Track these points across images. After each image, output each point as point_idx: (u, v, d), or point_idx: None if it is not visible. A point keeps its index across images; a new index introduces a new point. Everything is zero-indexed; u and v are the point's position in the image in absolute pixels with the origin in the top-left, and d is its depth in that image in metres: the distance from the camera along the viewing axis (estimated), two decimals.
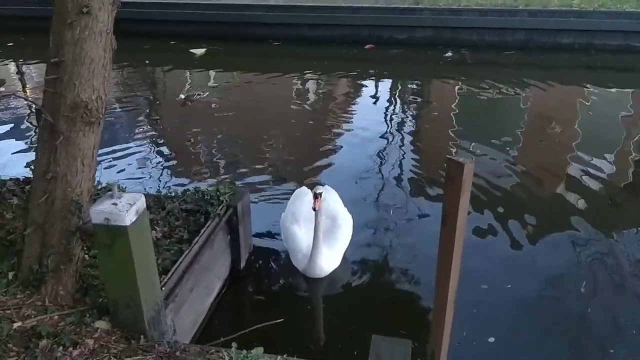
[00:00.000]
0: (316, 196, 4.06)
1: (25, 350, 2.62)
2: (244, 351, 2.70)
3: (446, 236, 2.13)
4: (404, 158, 6.83)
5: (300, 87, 10.48)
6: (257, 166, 6.49)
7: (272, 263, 4.68)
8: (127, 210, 2.57)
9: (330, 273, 4.34)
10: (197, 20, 13.05)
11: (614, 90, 9.82)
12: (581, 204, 5.50)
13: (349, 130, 7.88)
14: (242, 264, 4.49)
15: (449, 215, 2.09)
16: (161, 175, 6.37)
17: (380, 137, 7.56)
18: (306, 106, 9.23)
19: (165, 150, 7.16)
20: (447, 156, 2.07)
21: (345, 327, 3.88)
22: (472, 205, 5.29)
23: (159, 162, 6.76)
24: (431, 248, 4.50)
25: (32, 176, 3.02)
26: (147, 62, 11.89)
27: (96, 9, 2.71)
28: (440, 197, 5.56)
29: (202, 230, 3.84)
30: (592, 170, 6.20)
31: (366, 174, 6.31)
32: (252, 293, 4.44)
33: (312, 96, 9.97)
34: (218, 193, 4.22)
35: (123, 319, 2.85)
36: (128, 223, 2.57)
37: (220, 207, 4.13)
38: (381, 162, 6.69)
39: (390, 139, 7.55)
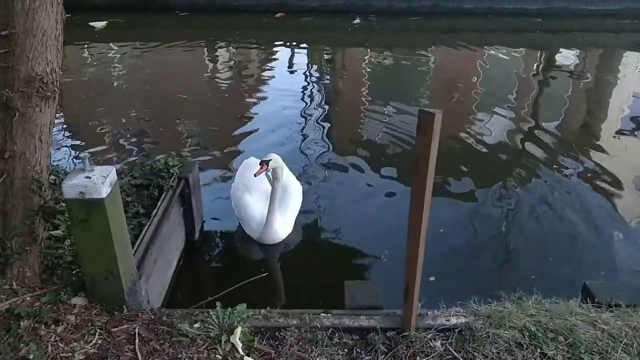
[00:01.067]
0: (262, 164, 4.18)
1: (7, 332, 2.57)
2: (229, 309, 2.83)
3: (418, 181, 2.38)
4: (321, 123, 7.06)
5: (212, 57, 10.35)
6: (180, 138, 6.42)
7: (224, 232, 4.76)
8: (102, 182, 2.57)
9: (284, 239, 4.52)
10: None
11: (509, 50, 10.65)
12: (483, 157, 6.02)
13: (264, 98, 8.01)
14: (197, 235, 4.54)
15: (420, 162, 2.34)
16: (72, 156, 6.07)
17: (296, 102, 7.78)
18: (220, 77, 9.17)
19: (76, 130, 6.81)
20: (419, 108, 2.30)
21: (308, 280, 4.13)
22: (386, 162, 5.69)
23: (72, 143, 6.40)
24: (360, 205, 4.85)
25: None
26: None
27: None
28: (358, 155, 5.99)
29: (159, 204, 3.84)
30: (484, 126, 6.80)
31: (288, 140, 6.49)
32: (208, 262, 4.51)
33: (225, 67, 9.89)
34: (167, 166, 4.20)
35: (101, 293, 2.86)
36: (104, 195, 2.58)
37: (172, 179, 4.13)
38: (301, 127, 6.90)
39: (307, 104, 7.82)
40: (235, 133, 6.69)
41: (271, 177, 4.35)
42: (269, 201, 4.35)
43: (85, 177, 2.57)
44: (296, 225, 4.68)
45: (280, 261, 4.44)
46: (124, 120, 7.03)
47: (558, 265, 4.23)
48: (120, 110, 7.33)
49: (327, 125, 6.98)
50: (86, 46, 10.63)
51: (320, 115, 7.30)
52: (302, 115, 7.30)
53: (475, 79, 8.90)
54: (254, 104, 7.79)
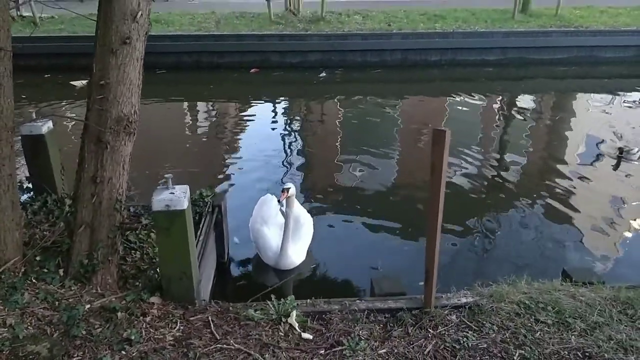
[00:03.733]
0: (283, 190, 4.87)
1: (108, 322, 3.12)
2: (282, 299, 3.44)
3: (434, 182, 3.13)
4: (297, 167, 7.67)
5: (191, 111, 11.06)
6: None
7: (245, 258, 5.34)
8: (183, 197, 3.23)
9: (298, 265, 5.06)
10: (74, 52, 12.70)
11: (472, 97, 11.77)
12: (455, 196, 6.53)
13: (241, 146, 8.62)
14: (226, 258, 5.12)
15: (435, 167, 3.10)
16: None
17: (273, 150, 8.33)
18: (199, 129, 9.81)
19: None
20: (433, 128, 3.07)
21: (332, 284, 4.79)
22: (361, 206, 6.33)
23: None
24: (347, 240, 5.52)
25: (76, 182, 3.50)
26: (23, 97, 11.18)
27: (134, 39, 3.34)
28: (332, 200, 6.52)
29: (201, 227, 4.45)
30: (462, 163, 7.60)
31: (266, 182, 7.00)
32: (236, 281, 5.07)
33: (204, 119, 10.61)
34: (202, 196, 4.84)
35: (175, 292, 3.44)
36: (185, 207, 3.23)
37: (207, 207, 4.76)
38: (281, 172, 7.50)
39: (284, 150, 8.45)
40: (219, 176, 7.24)
41: (285, 204, 5.00)
42: (283, 230, 4.92)
43: (170, 193, 3.23)
44: (309, 253, 5.21)
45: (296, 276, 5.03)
46: None
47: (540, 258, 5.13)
48: None
49: (301, 171, 7.55)
50: (64, 103, 11.07)
51: (296, 162, 7.92)
52: (280, 162, 7.89)
53: (442, 125, 9.87)
54: (232, 151, 8.40)
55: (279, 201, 4.84)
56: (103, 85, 3.33)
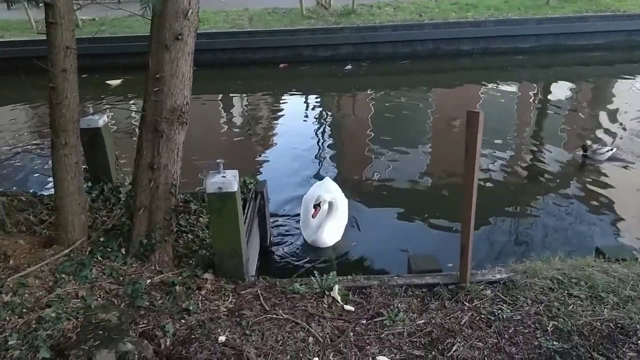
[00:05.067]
0: (315, 207, 5.17)
1: (168, 294, 3.43)
2: (324, 276, 3.68)
3: (469, 163, 3.30)
4: (330, 159, 7.87)
5: (226, 107, 11.37)
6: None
7: (287, 242, 5.62)
8: (234, 180, 3.49)
9: (332, 245, 5.36)
10: (114, 52, 13.26)
11: (506, 85, 11.71)
12: (491, 187, 6.65)
13: (276, 140, 8.85)
14: (268, 242, 5.40)
15: (469, 149, 3.27)
16: None
17: (305, 143, 8.52)
18: (234, 123, 10.12)
19: None
20: (467, 110, 3.24)
21: (369, 263, 5.04)
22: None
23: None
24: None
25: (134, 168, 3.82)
26: None
27: (186, 35, 3.61)
28: (365, 189, 6.66)
29: (246, 212, 4.72)
30: (495, 157, 7.54)
31: (299, 174, 7.25)
32: (278, 263, 5.34)
33: (238, 114, 10.91)
34: (245, 183, 5.12)
35: (226, 269, 3.72)
36: (235, 189, 3.49)
37: (250, 192, 5.04)
38: (313, 164, 7.72)
39: (316, 143, 8.65)
40: (253, 168, 7.51)
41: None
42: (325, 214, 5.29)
43: (221, 177, 3.50)
44: (344, 236, 5.50)
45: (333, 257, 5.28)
46: None
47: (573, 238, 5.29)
48: None
49: (334, 162, 7.76)
50: (102, 101, 11.51)
51: (328, 154, 8.14)
52: (312, 155, 8.10)
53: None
54: (266, 144, 8.67)
55: (312, 217, 5.15)
56: (158, 79, 3.62)
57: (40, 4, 3.73)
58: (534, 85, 11.97)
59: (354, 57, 13.74)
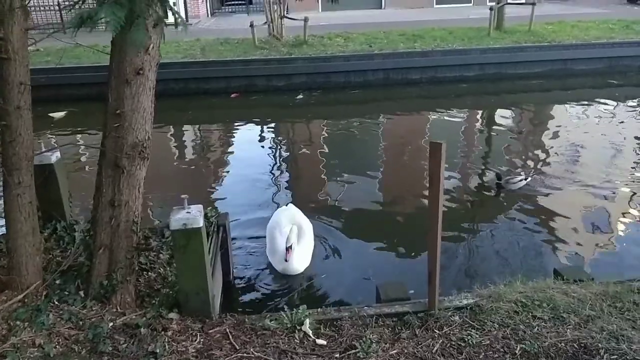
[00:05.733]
0: (287, 249, 5.18)
1: (132, 337, 3.28)
2: (294, 310, 3.63)
3: (433, 191, 3.38)
4: (287, 187, 7.94)
5: (179, 137, 11.19)
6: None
7: (251, 273, 5.53)
8: (199, 215, 3.43)
9: (302, 271, 5.35)
10: (57, 83, 12.76)
11: (452, 112, 12.13)
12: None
13: (230, 170, 8.80)
14: (231, 276, 5.29)
15: (433, 178, 3.35)
16: None
17: (260, 171, 8.53)
18: (187, 154, 10.00)
19: None
20: (430, 140, 3.33)
21: (334, 291, 5.02)
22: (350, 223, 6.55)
23: None
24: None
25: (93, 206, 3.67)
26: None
27: (147, 70, 3.56)
28: (321, 216, 6.63)
29: (209, 246, 4.62)
30: (446, 175, 7.71)
31: (256, 203, 7.23)
32: (242, 296, 5.23)
33: (191, 146, 10.79)
34: (207, 216, 5.02)
35: (192, 307, 3.61)
36: (201, 224, 3.42)
37: (212, 226, 4.94)
38: (269, 193, 7.70)
39: (270, 171, 8.67)
40: (209, 199, 7.42)
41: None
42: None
43: (186, 212, 3.42)
44: (311, 261, 5.51)
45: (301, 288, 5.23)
46: None
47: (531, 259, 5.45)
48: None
49: (290, 190, 7.79)
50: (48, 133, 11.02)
51: (284, 180, 8.21)
52: (267, 183, 8.08)
53: (424, 141, 10.17)
54: (221, 174, 8.61)
55: (285, 260, 5.14)
56: (119, 114, 3.53)
57: None
58: (479, 111, 12.51)
59: (307, 86, 13.92)
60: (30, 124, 3.52)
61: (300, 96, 13.42)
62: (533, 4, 16.26)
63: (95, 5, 2.89)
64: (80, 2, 2.92)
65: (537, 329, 3.46)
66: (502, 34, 15.73)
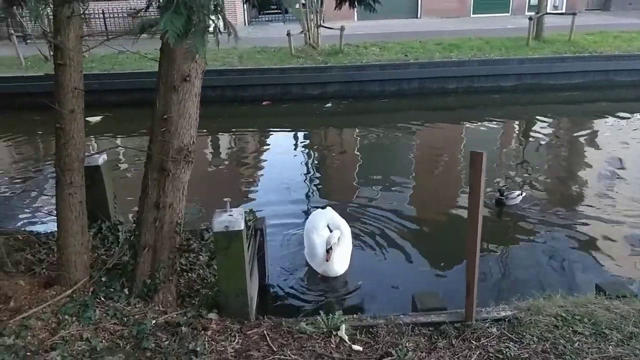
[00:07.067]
0: (327, 251, 5.24)
1: (174, 335, 3.38)
2: (330, 315, 3.67)
3: (473, 202, 3.37)
4: (320, 194, 7.97)
5: (215, 143, 11.44)
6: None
7: (286, 276, 5.59)
8: (240, 218, 3.51)
9: (342, 273, 5.40)
10: (98, 89, 12.88)
11: (489, 122, 11.99)
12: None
13: (265, 176, 8.87)
14: (266, 279, 5.36)
15: (473, 188, 3.35)
16: None
17: (296, 179, 8.56)
18: (221, 159, 10.19)
19: None
20: (471, 150, 3.33)
21: (368, 298, 5.02)
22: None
23: None
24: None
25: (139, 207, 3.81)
26: (39, 132, 11.73)
27: (193, 77, 3.68)
28: (355, 225, 6.54)
29: (249, 250, 4.71)
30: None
31: (294, 208, 7.29)
32: (277, 300, 5.29)
33: (227, 151, 10.97)
34: (245, 219, 5.12)
35: (232, 308, 3.69)
36: (242, 227, 3.51)
37: (250, 230, 5.03)
38: (306, 197, 7.82)
39: (304, 178, 8.73)
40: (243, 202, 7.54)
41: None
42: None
43: (228, 215, 3.51)
44: (352, 263, 5.53)
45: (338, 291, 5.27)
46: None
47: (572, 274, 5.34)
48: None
49: (324, 198, 7.77)
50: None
51: (318, 187, 8.25)
52: (302, 188, 8.21)
53: (459, 151, 10.10)
54: (255, 180, 8.74)
55: (326, 260, 5.22)
56: (166, 119, 3.66)
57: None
58: (516, 122, 12.32)
59: (342, 94, 14.01)
60: (83, 127, 3.68)
61: (329, 104, 13.51)
62: (574, 14, 15.98)
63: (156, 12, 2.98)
64: (144, 10, 3.05)
65: (578, 344, 3.40)
66: (541, 44, 15.48)
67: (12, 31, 16.13)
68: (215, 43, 2.85)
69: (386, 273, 5.58)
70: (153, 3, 3.20)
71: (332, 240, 5.24)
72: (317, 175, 9.02)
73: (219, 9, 2.87)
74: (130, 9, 19.94)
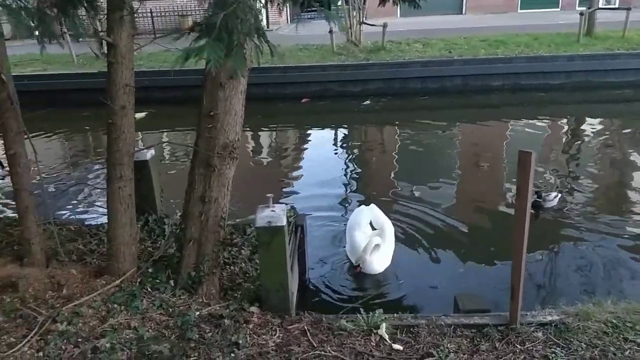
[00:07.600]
0: (356, 266, 5.27)
1: (217, 327, 3.45)
2: (370, 313, 3.66)
3: (520, 203, 3.29)
4: (360, 192, 7.89)
5: (256, 140, 11.55)
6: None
7: (325, 273, 5.61)
8: (283, 214, 3.55)
9: (382, 271, 5.36)
10: (144, 86, 13.40)
11: (535, 121, 11.61)
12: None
13: (304, 174, 8.85)
14: (306, 276, 5.40)
15: (521, 189, 3.26)
16: None
17: (334, 175, 8.53)
18: (262, 156, 10.28)
19: None
20: (519, 150, 3.25)
21: (408, 297, 4.97)
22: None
23: None
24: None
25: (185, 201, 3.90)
26: (86, 127, 12.18)
27: (239, 74, 3.74)
28: (395, 224, 6.26)
29: (288, 245, 4.75)
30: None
31: (327, 206, 7.23)
32: (316, 296, 5.31)
33: (268, 148, 11.07)
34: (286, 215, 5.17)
35: (273, 303, 3.73)
36: (284, 223, 3.54)
37: (291, 226, 5.07)
38: (345, 195, 7.76)
39: (344, 175, 8.68)
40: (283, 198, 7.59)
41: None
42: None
43: (271, 211, 3.55)
44: (393, 261, 5.47)
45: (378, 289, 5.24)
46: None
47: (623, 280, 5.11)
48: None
49: (363, 194, 7.74)
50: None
51: (356, 184, 8.23)
52: (342, 185, 8.20)
53: (503, 150, 9.85)
54: (295, 174, 8.79)
55: (355, 273, 5.26)
56: (212, 116, 3.73)
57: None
58: (564, 121, 11.90)
59: (383, 92, 13.90)
60: (133, 123, 3.80)
61: (367, 102, 13.43)
62: (628, 8, 15.33)
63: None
64: (189, 30, 3.12)
65: (629, 352, 3.27)
66: (592, 40, 14.92)
67: (66, 29, 16.77)
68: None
69: (427, 272, 5.53)
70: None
71: (365, 255, 5.19)
72: (357, 171, 9.02)
73: (260, 32, 2.91)
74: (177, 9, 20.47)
